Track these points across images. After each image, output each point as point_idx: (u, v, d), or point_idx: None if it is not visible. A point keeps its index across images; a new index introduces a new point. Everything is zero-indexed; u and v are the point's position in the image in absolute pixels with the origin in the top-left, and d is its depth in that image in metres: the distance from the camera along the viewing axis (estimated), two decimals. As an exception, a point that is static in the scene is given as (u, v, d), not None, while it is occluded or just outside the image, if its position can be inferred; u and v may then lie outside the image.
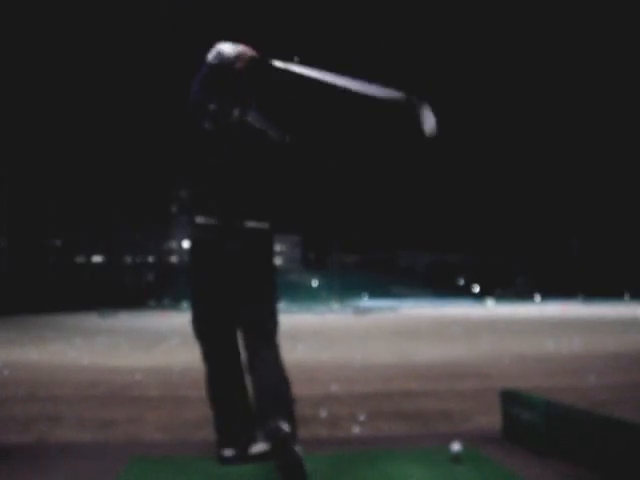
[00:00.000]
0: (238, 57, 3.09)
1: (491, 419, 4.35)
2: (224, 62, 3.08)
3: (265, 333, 3.07)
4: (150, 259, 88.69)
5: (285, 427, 2.72)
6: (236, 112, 3.12)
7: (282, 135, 3.23)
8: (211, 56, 3.10)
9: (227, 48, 3.09)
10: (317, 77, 3.03)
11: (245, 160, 3.10)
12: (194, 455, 3.32)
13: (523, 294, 78.02)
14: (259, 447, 3.09)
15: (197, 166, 3.15)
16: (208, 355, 3.16)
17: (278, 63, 3.11)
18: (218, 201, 3.06)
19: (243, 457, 3.05)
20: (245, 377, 3.12)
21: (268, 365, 2.98)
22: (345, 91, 2.99)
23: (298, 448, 2.68)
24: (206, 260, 3.07)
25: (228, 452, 3.05)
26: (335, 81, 3.00)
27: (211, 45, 3.13)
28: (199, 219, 3.09)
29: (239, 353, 3.13)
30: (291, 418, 2.84)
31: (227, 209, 3.05)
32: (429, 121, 2.72)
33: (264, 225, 3.12)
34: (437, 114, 2.80)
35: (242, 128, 3.12)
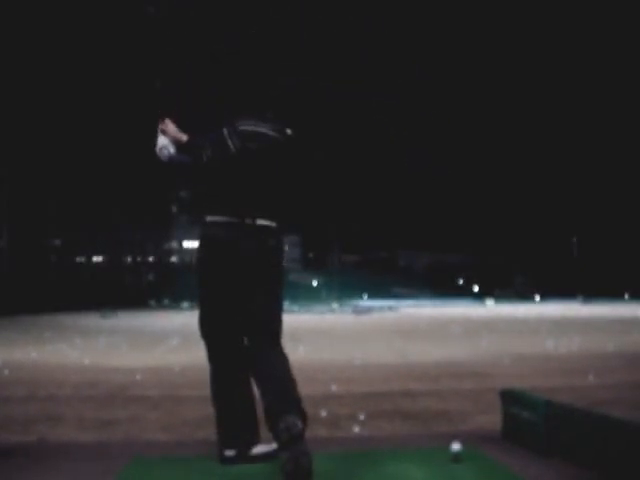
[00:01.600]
0: None
1: (491, 419, 4.36)
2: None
3: (272, 334, 3.08)
4: (150, 259, 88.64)
5: (300, 424, 2.75)
6: (226, 131, 3.10)
7: (282, 130, 3.21)
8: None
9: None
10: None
11: (251, 160, 3.10)
12: (194, 455, 3.32)
13: (523, 294, 77.93)
14: (261, 448, 3.09)
15: (202, 168, 3.14)
16: (213, 355, 3.16)
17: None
18: (230, 199, 3.06)
19: (244, 457, 3.05)
20: (249, 378, 3.12)
21: (277, 365, 3.00)
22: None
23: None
24: (218, 259, 3.06)
25: (229, 452, 3.05)
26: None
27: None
28: (211, 218, 3.09)
29: (244, 354, 3.13)
30: (303, 416, 2.86)
31: (239, 207, 3.05)
32: None
33: (275, 223, 3.12)
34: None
35: (242, 137, 3.11)
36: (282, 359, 3.03)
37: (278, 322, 3.12)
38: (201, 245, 3.14)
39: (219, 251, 3.05)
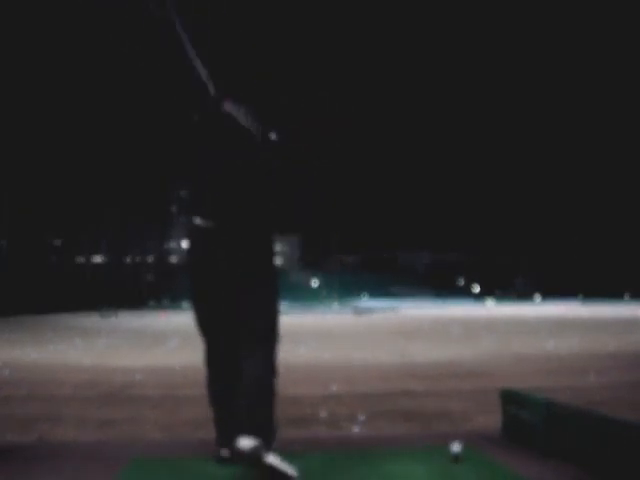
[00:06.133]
0: None
1: (491, 419, 4.35)
2: None
3: (253, 334, 2.99)
4: (150, 259, 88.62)
5: (249, 446, 2.69)
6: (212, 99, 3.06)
7: (264, 132, 3.11)
8: None
9: None
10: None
11: (227, 157, 3.06)
12: (194, 455, 3.32)
13: (523, 294, 77.95)
14: None
15: (188, 165, 3.15)
16: (208, 354, 3.17)
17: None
18: (208, 202, 3.05)
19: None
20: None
21: (247, 374, 2.91)
22: None
23: (271, 457, 2.69)
24: (202, 260, 3.07)
25: (224, 452, 3.05)
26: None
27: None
28: (197, 220, 3.09)
29: (239, 353, 3.11)
30: (263, 434, 2.75)
31: (218, 210, 3.03)
32: None
33: (254, 225, 3.08)
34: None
35: (221, 120, 3.07)
36: (255, 368, 2.90)
37: (264, 323, 3.02)
38: (188, 247, 3.22)
39: (202, 253, 3.08)
